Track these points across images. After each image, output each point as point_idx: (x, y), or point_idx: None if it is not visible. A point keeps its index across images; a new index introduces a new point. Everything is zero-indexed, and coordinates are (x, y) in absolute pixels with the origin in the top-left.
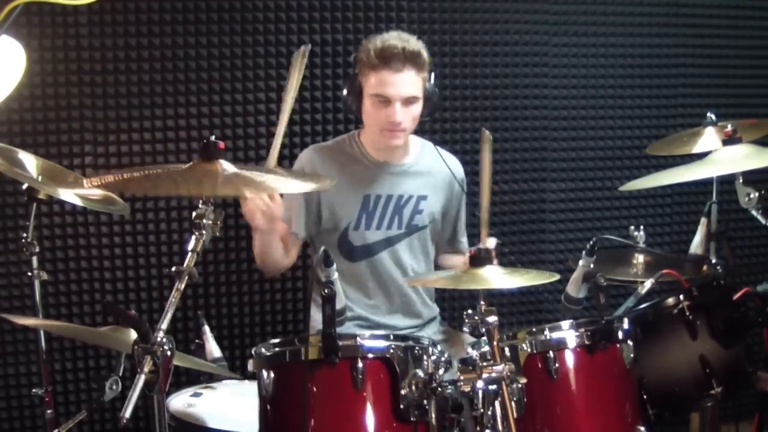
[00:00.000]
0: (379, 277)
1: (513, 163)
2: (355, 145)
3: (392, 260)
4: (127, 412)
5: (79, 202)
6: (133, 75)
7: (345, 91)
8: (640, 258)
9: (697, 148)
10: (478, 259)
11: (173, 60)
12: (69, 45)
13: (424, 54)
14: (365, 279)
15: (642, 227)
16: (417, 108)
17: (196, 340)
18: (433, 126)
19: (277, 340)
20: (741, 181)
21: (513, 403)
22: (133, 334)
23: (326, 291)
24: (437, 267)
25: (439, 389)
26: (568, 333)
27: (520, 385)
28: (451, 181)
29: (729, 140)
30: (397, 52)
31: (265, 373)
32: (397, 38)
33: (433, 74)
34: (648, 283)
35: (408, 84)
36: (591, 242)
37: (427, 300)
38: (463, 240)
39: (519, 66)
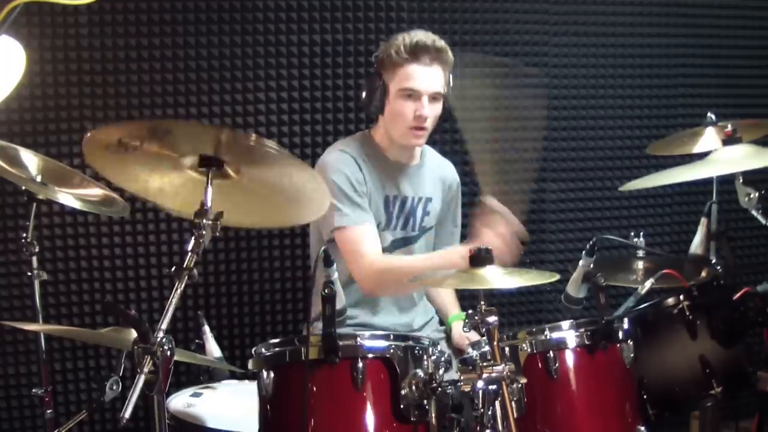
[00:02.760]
0: None
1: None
2: (370, 145)
3: None
4: (127, 413)
5: (78, 206)
6: (133, 75)
7: (366, 92)
8: (639, 264)
9: (697, 148)
10: (478, 259)
11: (173, 60)
12: (69, 45)
13: (450, 52)
14: None
15: (642, 234)
16: (440, 107)
17: (196, 340)
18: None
19: (277, 340)
20: (741, 181)
21: (513, 403)
22: (134, 334)
23: (326, 291)
24: None
25: (439, 389)
26: (568, 333)
27: (520, 385)
28: (449, 183)
29: (729, 140)
30: (428, 46)
31: (265, 373)
32: (424, 35)
33: (451, 77)
34: (648, 283)
35: (436, 79)
36: (591, 242)
37: (426, 301)
38: (456, 231)
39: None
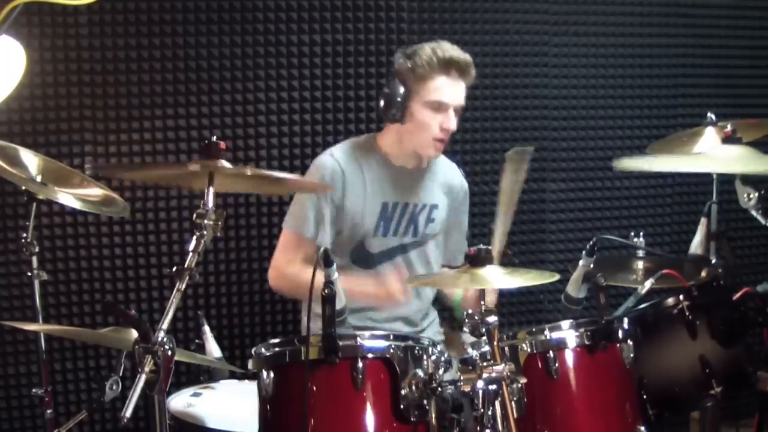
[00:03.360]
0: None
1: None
2: (373, 150)
3: (404, 268)
4: (128, 412)
5: (78, 206)
6: (133, 75)
7: (385, 98)
8: (639, 264)
9: (697, 148)
10: (478, 259)
11: (173, 60)
12: (69, 45)
13: (473, 68)
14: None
15: (642, 234)
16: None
17: (196, 340)
18: None
19: (277, 340)
20: (741, 181)
21: (513, 403)
22: (134, 334)
23: (326, 291)
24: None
25: (439, 389)
26: (568, 333)
27: (520, 385)
28: (456, 189)
29: (729, 140)
30: (459, 61)
31: (265, 373)
32: (455, 49)
33: None
34: (648, 283)
35: (462, 93)
36: (591, 242)
37: (428, 306)
38: (463, 237)
39: (519, 66)
